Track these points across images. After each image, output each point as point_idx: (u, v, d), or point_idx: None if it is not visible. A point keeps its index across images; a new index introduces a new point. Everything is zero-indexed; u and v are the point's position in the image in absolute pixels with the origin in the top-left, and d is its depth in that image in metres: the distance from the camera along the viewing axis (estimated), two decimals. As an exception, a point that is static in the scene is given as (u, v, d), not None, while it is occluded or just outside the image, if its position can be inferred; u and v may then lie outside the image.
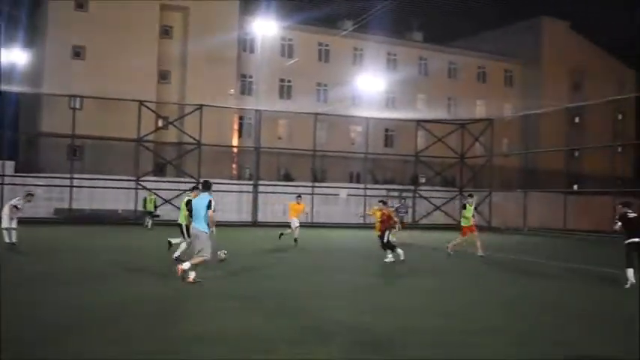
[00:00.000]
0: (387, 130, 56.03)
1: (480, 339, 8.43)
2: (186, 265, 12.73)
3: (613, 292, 13.71)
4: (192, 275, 12.73)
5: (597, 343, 8.50)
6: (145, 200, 33.45)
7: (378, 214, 19.43)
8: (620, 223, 15.14)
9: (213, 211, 12.78)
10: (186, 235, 16.21)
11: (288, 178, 45.16)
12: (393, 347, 7.87)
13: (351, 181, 49.14)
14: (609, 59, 66.52)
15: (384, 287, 13.47)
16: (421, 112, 55.11)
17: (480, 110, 59.92)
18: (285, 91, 53.38)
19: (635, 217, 15.17)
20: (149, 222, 32.21)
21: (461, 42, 65.33)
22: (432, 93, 58.17)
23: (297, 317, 9.67)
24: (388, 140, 56.39)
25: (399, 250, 18.42)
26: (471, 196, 22.08)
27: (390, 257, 18.30)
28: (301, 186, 41.51)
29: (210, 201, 12.76)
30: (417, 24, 61.82)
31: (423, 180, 47.97)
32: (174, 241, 18.05)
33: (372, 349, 7.71)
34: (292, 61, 50.64)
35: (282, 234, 24.75)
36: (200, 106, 39.23)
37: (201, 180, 18.80)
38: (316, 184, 41.85)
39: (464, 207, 21.45)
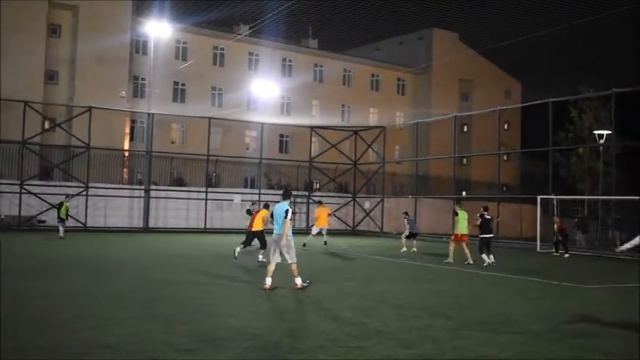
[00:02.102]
0: (282, 136, 56.18)
1: (365, 342, 8.54)
2: (297, 280, 13.56)
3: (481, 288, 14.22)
4: (298, 281, 13.57)
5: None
6: (60, 205, 30.18)
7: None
8: (478, 223, 20.73)
9: (290, 219, 13.51)
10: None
11: (180, 183, 44.40)
12: (279, 352, 7.85)
13: (245, 187, 48.91)
14: (496, 70, 69.33)
15: (276, 292, 13.43)
16: (316, 118, 55.63)
17: (373, 117, 61.16)
18: (179, 94, 52.55)
19: (488, 219, 20.93)
20: (61, 229, 29.15)
21: (356, 50, 66.47)
22: (326, 99, 58.80)
23: (191, 324, 9.49)
24: (283, 146, 56.55)
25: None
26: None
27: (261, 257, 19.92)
28: (194, 191, 41.03)
29: (287, 210, 13.48)
30: (312, 31, 62.45)
31: (317, 186, 48.36)
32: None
33: (260, 354, 7.67)
34: (186, 64, 49.94)
35: (304, 244, 24.95)
36: (89, 108, 37.97)
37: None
38: (210, 190, 41.36)
39: (456, 214, 22.00)
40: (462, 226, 21.63)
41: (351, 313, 11.04)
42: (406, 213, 29.22)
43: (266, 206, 21.08)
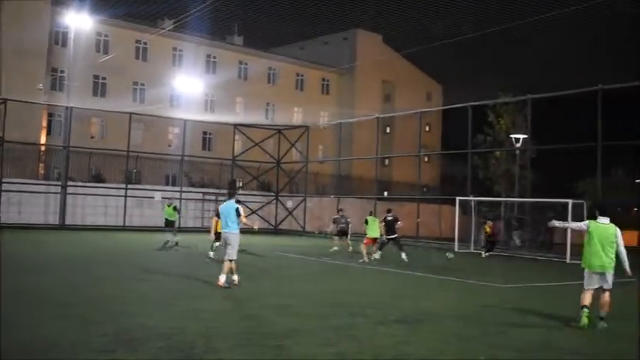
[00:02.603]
0: (205, 133, 55.61)
1: (283, 341, 8.51)
2: (222, 278, 13.59)
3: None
4: (222, 279, 13.65)
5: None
6: None
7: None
8: (383, 224, 22.58)
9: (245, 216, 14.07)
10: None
11: (99, 179, 43.24)
12: (195, 351, 7.73)
13: (167, 184, 48.12)
14: (418, 73, 70.54)
15: (194, 291, 13.25)
16: (240, 115, 55.26)
17: (297, 116, 61.24)
18: (99, 88, 51.29)
19: (391, 219, 22.59)
20: None
21: (281, 49, 66.40)
22: (251, 97, 58.53)
23: (108, 324, 9.23)
24: (206, 143, 55.99)
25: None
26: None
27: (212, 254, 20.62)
28: (114, 188, 40.09)
29: (237, 208, 13.88)
30: (238, 28, 62.05)
31: (240, 184, 48.03)
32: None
33: (176, 354, 7.53)
34: (107, 57, 48.76)
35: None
36: (4, 101, 36.59)
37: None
38: (130, 186, 40.48)
39: (365, 222, 23.41)
40: (371, 230, 23.07)
41: (270, 312, 10.99)
42: (341, 210, 29.03)
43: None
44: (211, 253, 20.46)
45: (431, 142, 63.13)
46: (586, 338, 9.65)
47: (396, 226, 22.88)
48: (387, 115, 48.68)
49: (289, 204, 46.25)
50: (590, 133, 27.80)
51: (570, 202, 26.96)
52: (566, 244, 26.52)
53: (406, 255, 22.49)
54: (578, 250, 23.90)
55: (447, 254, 25.23)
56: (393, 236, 22.78)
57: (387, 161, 64.59)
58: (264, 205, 45.72)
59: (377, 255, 22.72)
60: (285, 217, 45.69)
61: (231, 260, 13.78)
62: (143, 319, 9.80)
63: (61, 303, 10.98)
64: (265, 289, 13.92)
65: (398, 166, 60.74)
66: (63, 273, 15.62)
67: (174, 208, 27.24)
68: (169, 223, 26.78)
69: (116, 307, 10.86)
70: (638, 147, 29.19)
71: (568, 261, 25.74)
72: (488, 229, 28.27)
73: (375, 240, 23.09)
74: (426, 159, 56.36)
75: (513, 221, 35.35)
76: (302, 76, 64.30)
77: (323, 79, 66.14)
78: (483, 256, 27.22)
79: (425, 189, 56.21)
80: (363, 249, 22.71)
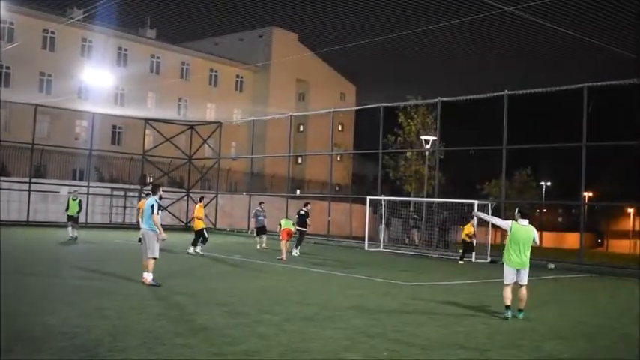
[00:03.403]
0: (114, 127, 54.41)
1: (191, 339, 8.47)
2: (148, 276, 13.63)
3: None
4: (149, 277, 13.63)
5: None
6: None
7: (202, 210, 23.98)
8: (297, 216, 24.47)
9: (157, 214, 13.86)
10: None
11: (2, 172, 41.54)
12: (100, 350, 7.59)
13: (74, 179, 46.72)
14: (332, 73, 71.16)
15: (100, 289, 12.96)
16: (151, 110, 54.33)
17: (210, 113, 60.71)
18: (2, 78, 49.33)
19: (303, 213, 24.60)
20: None
21: (195, 44, 65.59)
22: (163, 92, 57.66)
23: (10, 322, 8.92)
24: (115, 137, 54.75)
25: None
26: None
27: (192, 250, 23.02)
28: (17, 182, 38.63)
29: (153, 205, 13.83)
30: (150, 21, 60.90)
31: (150, 179, 47.17)
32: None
33: (80, 354, 7.37)
34: (12, 46, 46.93)
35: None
36: None
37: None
38: (34, 181, 39.10)
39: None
40: (284, 224, 23.63)
41: (178, 310, 10.91)
42: (262, 203, 28.86)
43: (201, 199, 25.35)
44: (191, 249, 22.94)
45: (344, 141, 63.89)
46: (488, 332, 10.02)
47: (307, 222, 24.28)
48: (301, 113, 48.91)
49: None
50: (496, 136, 28.80)
51: (476, 202, 27.81)
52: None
53: (298, 252, 24.19)
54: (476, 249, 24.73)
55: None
56: (302, 229, 24.38)
57: (300, 160, 64.96)
58: (175, 202, 45.06)
59: (296, 252, 23.73)
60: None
61: (154, 258, 13.81)
62: (45, 317, 9.54)
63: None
64: (174, 287, 13.76)
65: (311, 164, 61.20)
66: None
67: (80, 203, 27.17)
68: (72, 218, 26.79)
69: (16, 306, 10.51)
70: (540, 150, 30.37)
71: (473, 260, 26.59)
72: (469, 230, 26.02)
73: (289, 233, 23.30)
74: (338, 158, 56.99)
75: (410, 220, 36.17)
76: (216, 71, 63.85)
77: (237, 76, 65.88)
78: (461, 262, 25.37)
79: (337, 188, 56.85)
80: (283, 246, 22.81)
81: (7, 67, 49.41)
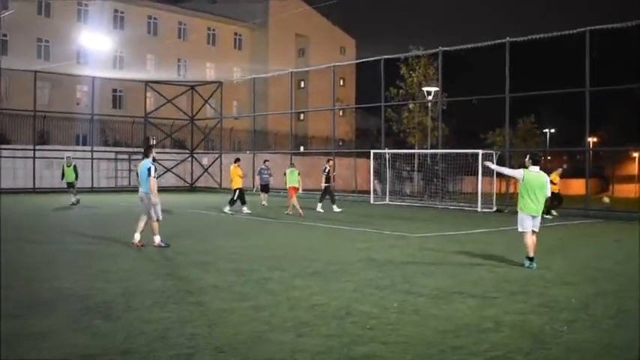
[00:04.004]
0: (114, 91, 54.19)
1: (202, 297, 8.57)
2: (156, 238, 13.70)
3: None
4: (157, 239, 13.71)
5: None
6: None
7: (239, 170, 23.88)
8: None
9: (154, 177, 13.75)
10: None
11: (4, 140, 41.51)
12: (114, 311, 7.70)
13: (77, 144, 46.75)
14: (331, 27, 70.47)
15: (106, 252, 13.06)
16: (151, 72, 54.03)
17: (209, 72, 60.30)
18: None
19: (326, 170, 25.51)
20: None
21: (191, 3, 64.89)
22: (161, 53, 57.28)
23: (16, 289, 9.03)
24: (116, 101, 54.58)
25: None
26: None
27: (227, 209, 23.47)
28: (21, 149, 38.67)
29: (149, 167, 13.73)
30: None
31: (154, 142, 47.19)
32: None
33: (93, 315, 7.47)
34: (7, 13, 46.44)
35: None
36: None
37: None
38: (38, 147, 39.14)
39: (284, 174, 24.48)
40: (290, 181, 23.70)
41: (188, 269, 10.99)
42: (267, 161, 28.81)
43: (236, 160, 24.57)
44: (227, 208, 23.46)
45: (345, 96, 63.56)
46: (495, 280, 10.10)
47: (330, 177, 25.58)
48: (301, 69, 48.45)
49: (204, 161, 45.85)
50: (499, 85, 28.61)
51: (480, 152, 27.75)
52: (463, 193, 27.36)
53: (337, 208, 25.05)
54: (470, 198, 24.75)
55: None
56: (326, 185, 25.51)
57: (302, 116, 64.75)
58: (179, 163, 45.16)
59: (336, 208, 24.95)
60: (201, 175, 45.30)
61: (158, 220, 13.83)
62: (55, 282, 9.64)
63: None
64: (182, 247, 13.86)
65: (313, 120, 60.98)
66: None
67: (75, 169, 27.07)
68: (70, 184, 27.08)
69: (24, 271, 10.62)
70: (544, 97, 30.17)
71: (479, 209, 26.69)
72: (555, 178, 22.94)
73: (295, 189, 23.41)
74: (340, 113, 56.74)
75: (403, 172, 36.22)
76: (214, 30, 63.30)
77: (235, 34, 65.32)
78: (551, 217, 22.95)
79: (340, 143, 56.77)
80: (296, 202, 22.96)
81: (4, 35, 48.95)
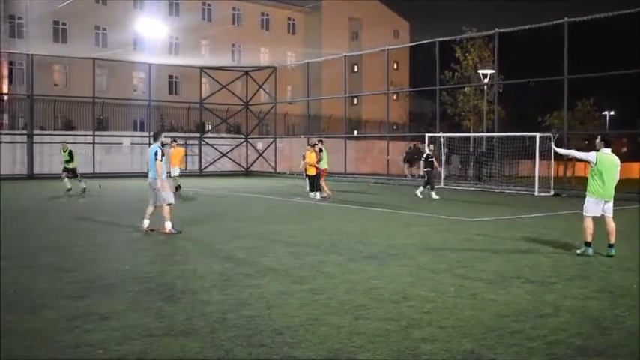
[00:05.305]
0: (171, 77, 54.93)
1: (259, 280, 8.68)
2: (167, 225, 13.37)
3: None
4: (167, 225, 13.41)
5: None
6: None
7: (314, 155, 22.69)
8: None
9: (160, 161, 13.34)
10: None
11: (69, 126, 42.64)
12: (174, 292, 7.86)
13: (135, 129, 47.68)
14: (385, 10, 69.95)
15: (157, 238, 13.28)
16: (205, 58, 54.55)
17: (263, 57, 60.59)
18: (60, 34, 50.15)
19: (429, 153, 24.21)
20: None
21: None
22: (216, 39, 57.73)
23: (78, 271, 9.31)
24: (172, 87, 55.33)
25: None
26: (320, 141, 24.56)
27: (318, 196, 22.44)
28: (81, 135, 39.62)
29: (156, 151, 13.36)
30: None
31: (209, 127, 47.79)
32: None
33: (154, 296, 7.65)
34: (66, 2, 47.50)
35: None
36: (-38, 50, 35.78)
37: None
38: (97, 133, 40.05)
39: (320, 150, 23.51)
40: (323, 162, 23.31)
41: (245, 252, 11.13)
42: (320, 141, 28.39)
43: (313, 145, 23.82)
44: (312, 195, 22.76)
45: (399, 79, 63.08)
46: (553, 265, 9.96)
47: (433, 162, 24.32)
48: (354, 53, 48.26)
49: (259, 146, 46.21)
50: (557, 66, 28.02)
51: (538, 135, 27.26)
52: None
53: (435, 194, 23.86)
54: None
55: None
56: (427, 169, 24.25)
57: (356, 100, 64.59)
58: (234, 148, 45.62)
59: (434, 195, 23.69)
60: (256, 159, 45.69)
61: (169, 204, 13.50)
62: (115, 264, 9.90)
63: (26, 253, 10.97)
64: (238, 230, 14.04)
65: (367, 104, 60.76)
66: (28, 223, 15.63)
67: (70, 153, 25.41)
68: (67, 170, 25.32)
69: (84, 254, 10.90)
70: (603, 78, 29.42)
71: (536, 193, 26.29)
72: None
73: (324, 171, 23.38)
74: (394, 97, 56.38)
75: (457, 156, 35.87)
76: (267, 15, 63.47)
77: (289, 19, 65.40)
78: None
79: (394, 127, 56.47)
80: (324, 185, 23.24)
81: (64, 24, 50.12)
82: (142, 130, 46.36)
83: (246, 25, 61.23)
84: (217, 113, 45.86)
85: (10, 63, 47.08)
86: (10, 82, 46.94)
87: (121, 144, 40.86)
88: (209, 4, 59.29)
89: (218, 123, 46.92)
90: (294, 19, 65.86)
